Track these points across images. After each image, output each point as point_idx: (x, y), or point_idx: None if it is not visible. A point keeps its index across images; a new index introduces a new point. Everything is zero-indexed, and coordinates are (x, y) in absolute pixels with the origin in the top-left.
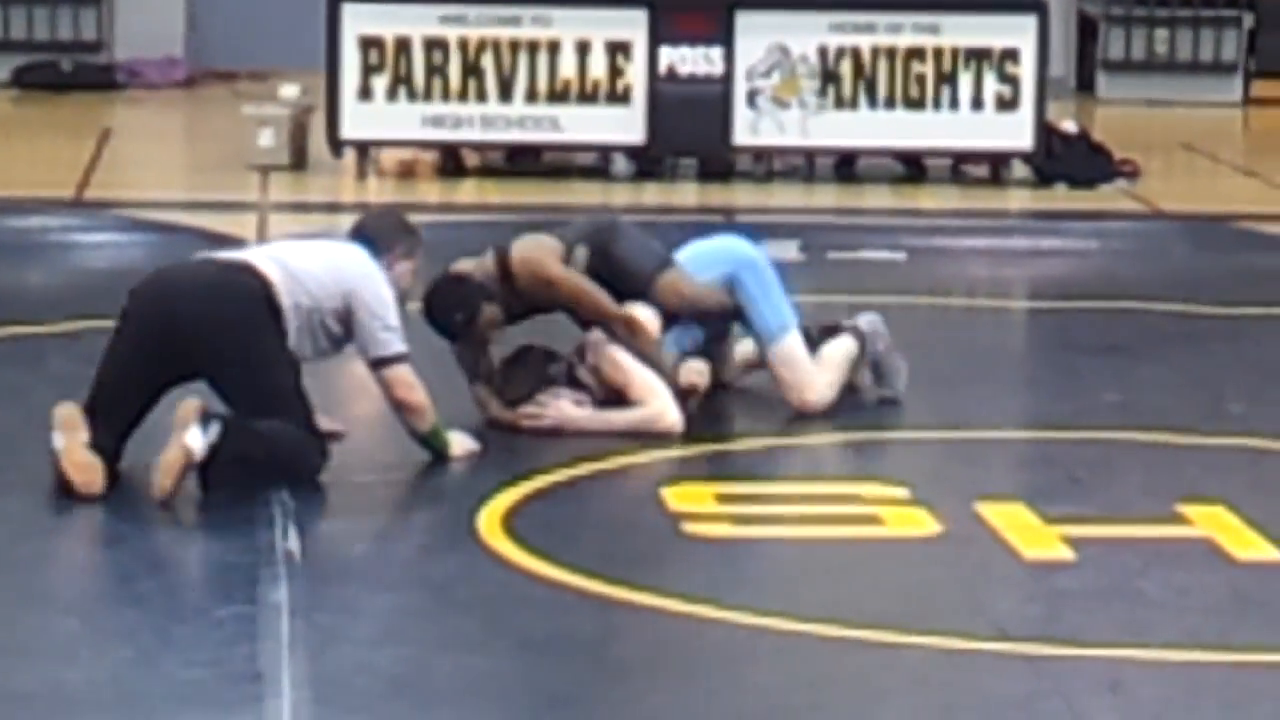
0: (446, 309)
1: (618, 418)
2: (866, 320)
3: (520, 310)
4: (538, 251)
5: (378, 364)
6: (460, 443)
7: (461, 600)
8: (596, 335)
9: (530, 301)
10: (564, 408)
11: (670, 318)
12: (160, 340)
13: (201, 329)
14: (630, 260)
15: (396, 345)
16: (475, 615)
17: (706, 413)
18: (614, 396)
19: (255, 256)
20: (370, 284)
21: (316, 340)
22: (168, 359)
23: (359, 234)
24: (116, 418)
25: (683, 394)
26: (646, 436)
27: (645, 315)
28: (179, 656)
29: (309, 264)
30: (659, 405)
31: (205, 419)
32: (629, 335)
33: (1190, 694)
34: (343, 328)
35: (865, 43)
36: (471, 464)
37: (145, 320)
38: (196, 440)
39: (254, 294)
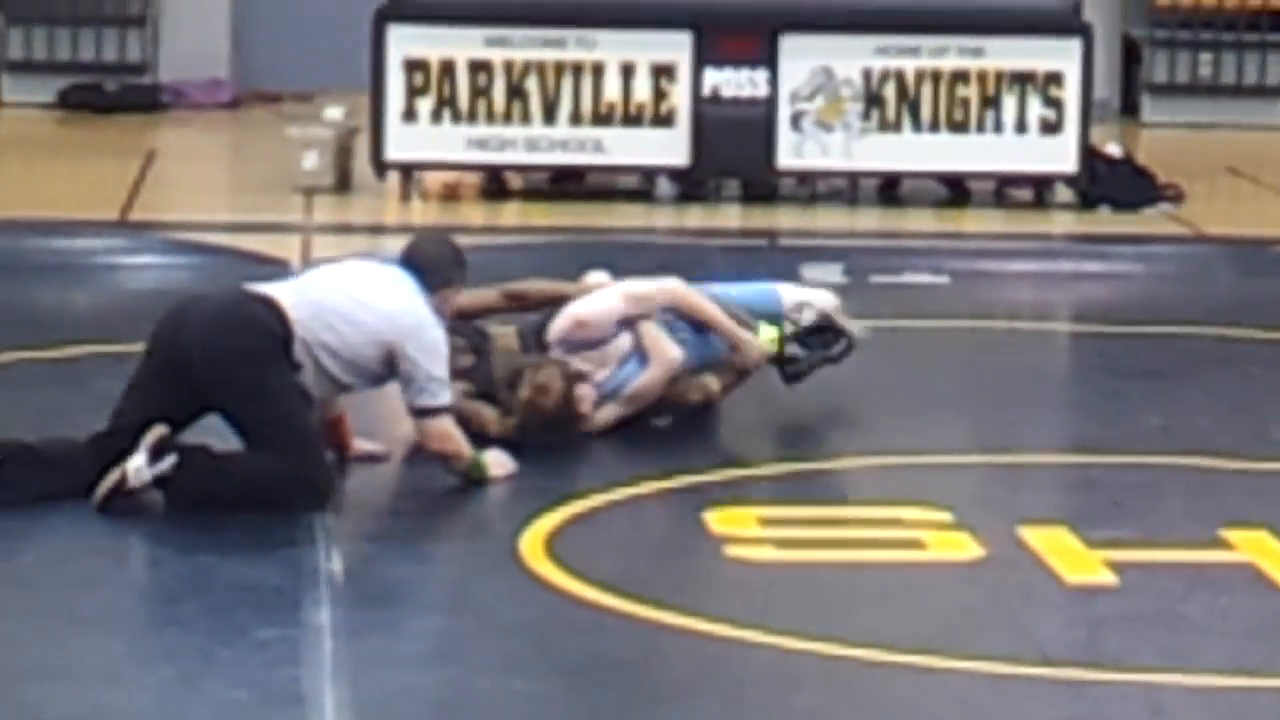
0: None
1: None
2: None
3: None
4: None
5: (420, 413)
6: (499, 463)
7: (504, 623)
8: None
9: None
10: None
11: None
12: (173, 370)
13: (207, 359)
14: None
15: (442, 397)
16: (517, 638)
17: (748, 435)
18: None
19: (284, 289)
20: (425, 333)
21: (338, 378)
22: (181, 389)
23: (411, 261)
24: (133, 445)
25: (706, 402)
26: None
27: (598, 278)
28: (222, 678)
29: (354, 307)
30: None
31: (160, 450)
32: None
33: None
34: (385, 369)
35: (909, 66)
36: (514, 487)
37: (162, 349)
38: (137, 468)
39: (264, 326)
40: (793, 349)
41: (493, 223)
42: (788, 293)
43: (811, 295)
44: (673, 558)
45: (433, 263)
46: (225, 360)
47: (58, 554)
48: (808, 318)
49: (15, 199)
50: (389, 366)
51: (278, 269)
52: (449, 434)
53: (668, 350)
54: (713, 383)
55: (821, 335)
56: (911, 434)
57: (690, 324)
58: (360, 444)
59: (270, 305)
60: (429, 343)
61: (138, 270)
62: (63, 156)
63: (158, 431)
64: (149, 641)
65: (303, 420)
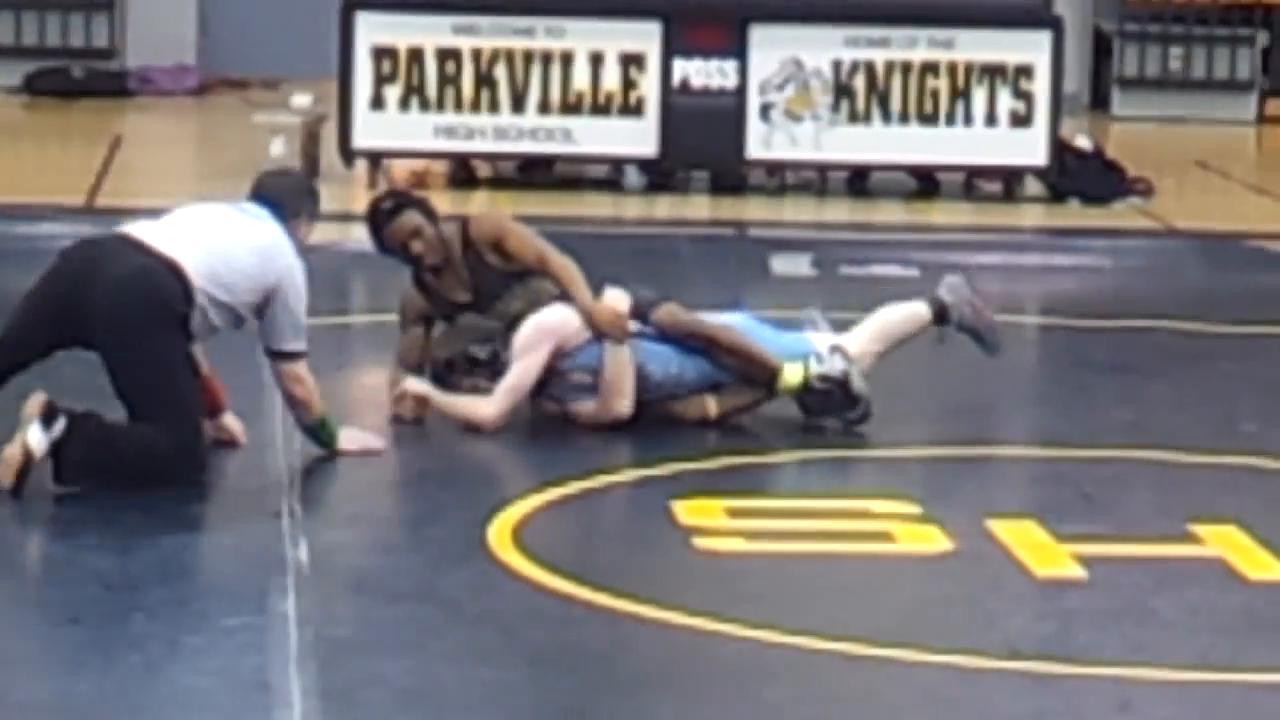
0: (377, 199)
1: (447, 402)
2: (948, 288)
3: (482, 284)
4: (494, 213)
5: (278, 356)
6: (352, 438)
7: (471, 613)
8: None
9: (490, 271)
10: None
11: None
12: (68, 312)
13: (109, 325)
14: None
15: (300, 343)
16: (485, 628)
17: (717, 427)
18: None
19: (185, 249)
20: (294, 278)
21: (213, 324)
22: (69, 331)
23: (263, 196)
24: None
25: (701, 421)
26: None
27: (615, 296)
28: (187, 666)
29: (239, 253)
30: (496, 399)
31: (49, 416)
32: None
33: (1201, 715)
34: (252, 315)
35: (879, 57)
36: (482, 477)
37: (59, 297)
38: (37, 438)
39: (168, 299)
40: (810, 399)
41: (460, 211)
42: (819, 340)
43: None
44: (641, 548)
45: (282, 194)
46: (128, 330)
47: (18, 542)
48: (837, 366)
49: None
50: (258, 311)
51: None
52: (303, 377)
53: (615, 393)
54: (711, 404)
55: (843, 391)
56: (880, 426)
57: (685, 346)
58: (226, 420)
59: (177, 273)
60: (299, 286)
61: None
62: (29, 141)
63: (40, 399)
64: (113, 629)
65: (188, 392)
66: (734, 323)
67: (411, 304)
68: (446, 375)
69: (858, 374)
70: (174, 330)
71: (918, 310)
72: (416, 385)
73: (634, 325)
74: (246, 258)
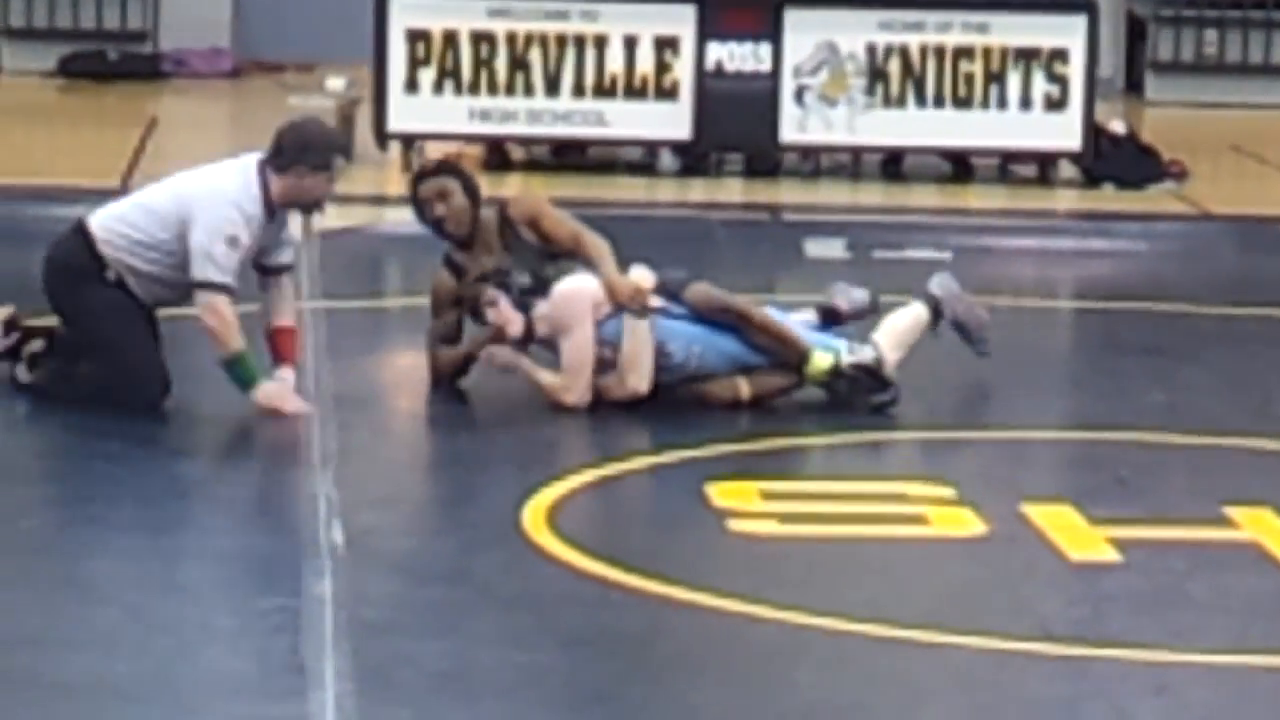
0: (431, 159)
1: (535, 373)
2: (938, 283)
3: (521, 262)
4: (532, 194)
5: (194, 286)
6: (269, 392)
7: (505, 595)
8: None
9: (525, 250)
10: (508, 313)
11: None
12: None
13: (45, 293)
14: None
15: (212, 274)
16: (519, 610)
17: (751, 412)
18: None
19: (100, 211)
20: (206, 209)
21: (153, 271)
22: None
23: (274, 144)
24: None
25: (734, 404)
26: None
27: (639, 274)
28: (223, 648)
29: (158, 199)
30: (570, 383)
31: (9, 327)
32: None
33: (1236, 698)
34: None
35: (914, 41)
36: (515, 459)
37: None
38: None
39: (71, 257)
40: (840, 384)
41: (495, 194)
42: (847, 294)
43: (879, 336)
44: (675, 531)
45: (289, 144)
46: (51, 292)
47: (57, 522)
48: (864, 356)
49: (16, 166)
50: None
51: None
52: (217, 311)
53: (631, 368)
54: (743, 386)
55: (872, 379)
56: (915, 409)
57: (716, 325)
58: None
59: (80, 232)
60: (211, 218)
61: None
62: (63, 124)
63: (7, 309)
64: (149, 610)
65: (121, 331)
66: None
67: (442, 287)
68: (475, 293)
69: (888, 362)
70: (87, 281)
71: (918, 312)
72: (505, 356)
73: (659, 302)
74: (165, 202)
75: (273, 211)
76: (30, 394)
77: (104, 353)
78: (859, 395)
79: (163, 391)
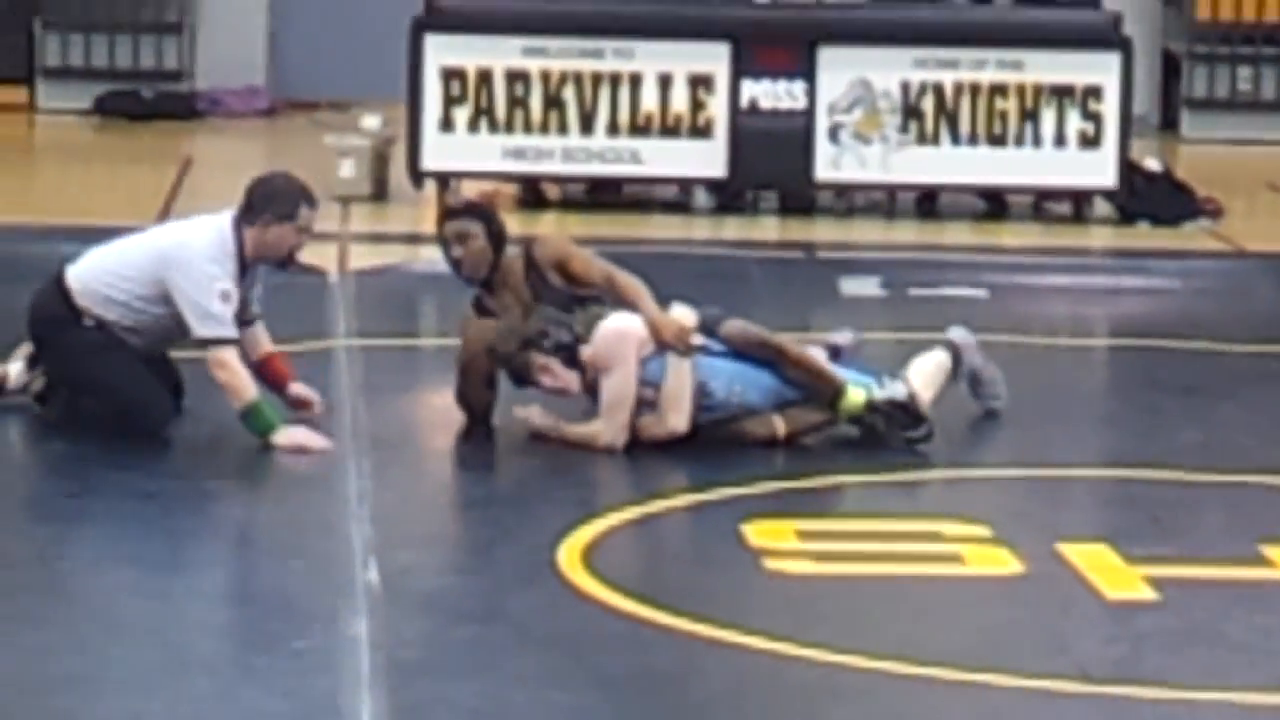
0: (462, 200)
1: (567, 431)
2: (957, 333)
3: (549, 305)
4: (557, 236)
5: (201, 343)
6: (291, 435)
7: (541, 635)
8: (606, 327)
9: (552, 293)
10: (565, 376)
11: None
12: None
13: (32, 340)
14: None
15: (214, 329)
16: (554, 650)
17: (786, 451)
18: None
19: (77, 265)
20: (188, 270)
21: (127, 322)
22: None
23: (244, 200)
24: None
25: (770, 441)
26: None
27: (681, 312)
28: (258, 688)
29: (134, 256)
30: (608, 422)
31: (35, 361)
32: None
33: None
34: (167, 307)
35: (948, 78)
36: (550, 498)
37: None
38: (17, 369)
39: (45, 309)
40: (874, 419)
41: (529, 233)
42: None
43: (909, 375)
44: (711, 570)
45: (256, 197)
46: (37, 342)
47: (93, 563)
48: (897, 392)
49: (52, 205)
50: (171, 304)
51: (314, 279)
52: (224, 363)
53: (673, 408)
54: (779, 424)
55: (905, 414)
56: (950, 448)
57: (752, 361)
58: (298, 388)
59: (57, 283)
60: (198, 277)
61: None
62: (99, 163)
63: (30, 346)
64: (185, 650)
65: (108, 370)
66: None
67: (470, 328)
68: (524, 361)
69: (921, 398)
70: (64, 328)
71: (940, 358)
72: (538, 419)
73: (700, 339)
74: (140, 259)
75: (245, 267)
76: (56, 431)
77: (96, 392)
78: (893, 431)
79: (163, 417)
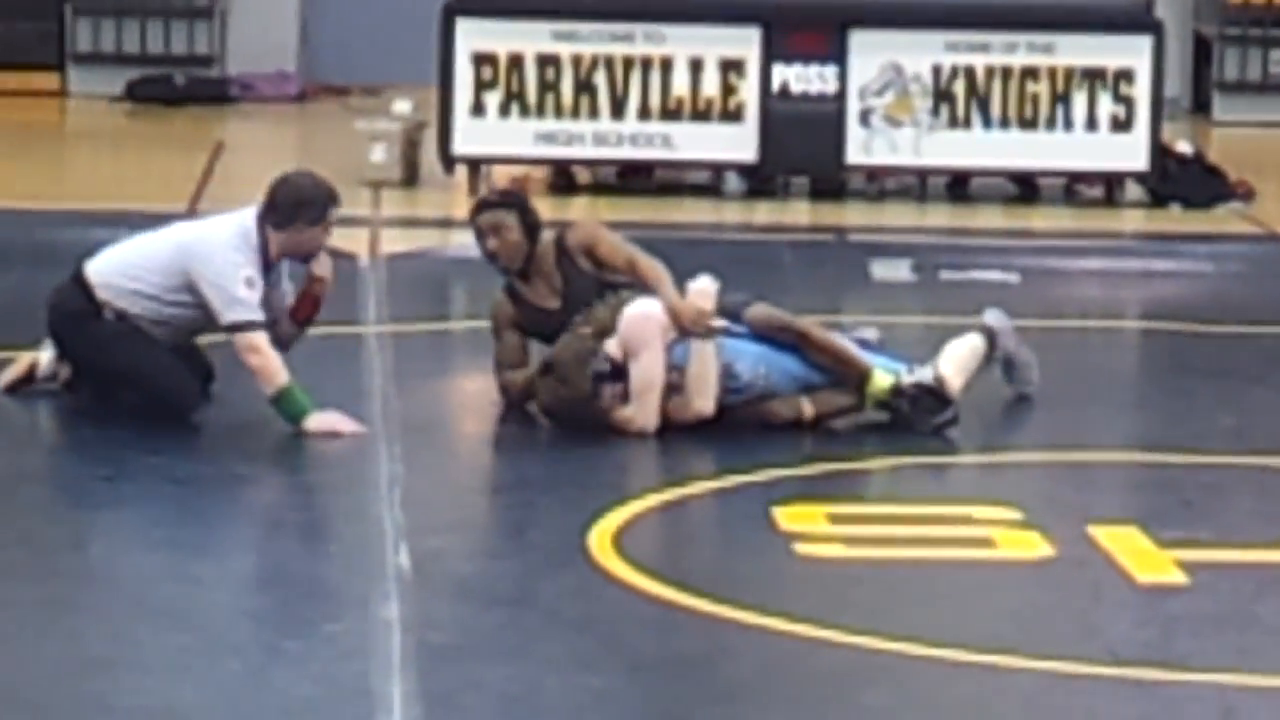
0: (495, 190)
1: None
2: (993, 316)
3: (572, 291)
4: (588, 221)
5: (227, 329)
6: (322, 420)
7: (572, 619)
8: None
9: (582, 278)
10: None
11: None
12: None
13: (52, 336)
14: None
15: (241, 313)
16: (586, 634)
17: (817, 435)
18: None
19: (97, 259)
20: (211, 259)
21: (150, 315)
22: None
23: (267, 201)
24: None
25: (796, 422)
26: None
27: (701, 285)
28: (290, 672)
29: (157, 249)
30: (639, 407)
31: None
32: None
33: None
34: (193, 297)
35: (979, 62)
36: (581, 483)
37: None
38: (47, 358)
39: (65, 304)
40: (900, 403)
41: (560, 217)
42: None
43: (941, 359)
44: (741, 554)
45: (275, 201)
46: (58, 338)
47: (125, 547)
48: (924, 376)
49: (84, 190)
50: (195, 294)
51: (345, 263)
52: (255, 347)
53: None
54: (806, 406)
55: (933, 398)
56: (981, 432)
57: (777, 345)
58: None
59: (76, 279)
60: (221, 265)
61: None
62: (131, 149)
63: None
64: (217, 635)
65: (132, 359)
66: None
67: (501, 311)
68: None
69: (949, 382)
70: (85, 321)
71: (975, 342)
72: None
73: (722, 322)
74: (162, 253)
75: (269, 266)
76: (87, 417)
77: (124, 381)
78: (920, 415)
79: (192, 402)
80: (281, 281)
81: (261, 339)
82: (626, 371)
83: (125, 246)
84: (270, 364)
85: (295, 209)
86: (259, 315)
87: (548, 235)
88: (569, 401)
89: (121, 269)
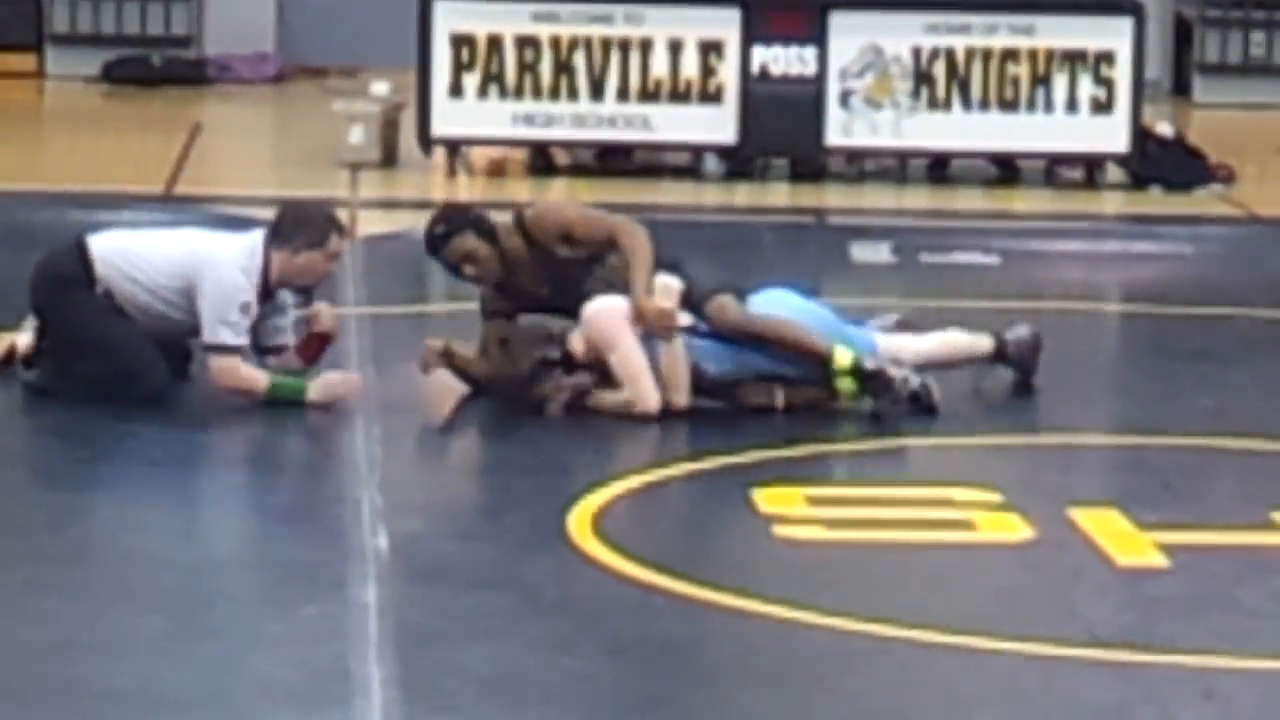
0: (433, 220)
1: (603, 399)
2: (1019, 332)
3: (558, 276)
4: (550, 207)
5: (206, 349)
6: (320, 388)
7: (551, 601)
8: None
9: (563, 264)
10: (572, 382)
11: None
12: None
13: (32, 303)
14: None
15: (226, 336)
16: (565, 616)
17: (796, 417)
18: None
19: (105, 236)
20: (217, 274)
21: (143, 302)
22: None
23: (274, 223)
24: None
25: (769, 408)
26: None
27: (664, 285)
28: (267, 655)
29: (169, 246)
30: (635, 392)
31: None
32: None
33: None
34: (185, 301)
35: (959, 44)
36: (561, 465)
37: None
38: (25, 339)
39: (60, 269)
40: (868, 383)
41: (539, 199)
42: (884, 342)
43: (901, 346)
44: (721, 537)
45: (287, 224)
46: (38, 298)
47: (103, 530)
48: (883, 360)
49: (60, 172)
50: (189, 300)
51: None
52: (228, 372)
53: (671, 387)
54: (778, 395)
55: (880, 380)
56: (961, 414)
57: (739, 342)
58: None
59: (77, 246)
60: (225, 284)
61: None
62: (108, 130)
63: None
64: (194, 617)
65: (109, 330)
66: (806, 310)
67: (490, 301)
68: (540, 395)
69: (910, 369)
70: (73, 289)
71: (981, 343)
72: (567, 392)
73: (687, 319)
74: (174, 253)
75: (269, 291)
76: (61, 399)
77: (95, 352)
78: (886, 393)
79: (157, 386)
80: (279, 316)
81: (235, 364)
82: (578, 366)
83: (136, 235)
84: (245, 383)
85: (297, 228)
86: (242, 341)
87: (506, 226)
88: (506, 380)
89: (126, 255)
